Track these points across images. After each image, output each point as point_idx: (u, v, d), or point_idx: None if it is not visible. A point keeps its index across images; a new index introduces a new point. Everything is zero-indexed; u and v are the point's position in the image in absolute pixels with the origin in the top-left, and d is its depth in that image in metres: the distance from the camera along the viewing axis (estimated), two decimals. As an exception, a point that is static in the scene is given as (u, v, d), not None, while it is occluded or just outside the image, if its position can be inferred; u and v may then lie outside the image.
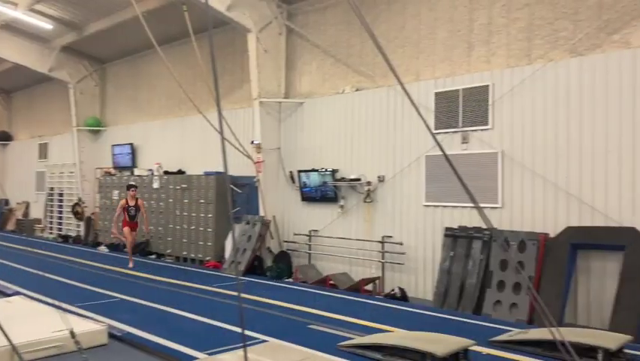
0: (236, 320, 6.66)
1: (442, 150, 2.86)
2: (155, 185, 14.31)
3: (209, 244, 12.57)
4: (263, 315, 7.49)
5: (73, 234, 18.02)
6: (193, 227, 13.03)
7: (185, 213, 13.28)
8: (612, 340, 5.49)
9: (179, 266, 12.58)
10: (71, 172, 18.38)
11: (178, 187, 13.58)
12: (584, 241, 7.52)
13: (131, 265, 11.89)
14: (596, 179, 7.61)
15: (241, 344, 5.74)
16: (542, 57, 8.23)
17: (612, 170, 7.45)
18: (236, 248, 11.21)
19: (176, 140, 15.06)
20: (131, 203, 12.23)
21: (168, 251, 13.75)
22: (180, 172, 14.41)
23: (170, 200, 13.80)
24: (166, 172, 14.58)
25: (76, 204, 17.58)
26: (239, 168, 12.35)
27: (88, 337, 5.76)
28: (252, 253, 11.24)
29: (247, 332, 6.40)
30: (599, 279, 7.55)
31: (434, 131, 9.31)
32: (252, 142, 11.63)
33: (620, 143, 7.39)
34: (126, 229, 12.14)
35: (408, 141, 9.75)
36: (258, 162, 11.55)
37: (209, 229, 12.56)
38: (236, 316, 6.97)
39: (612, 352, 5.31)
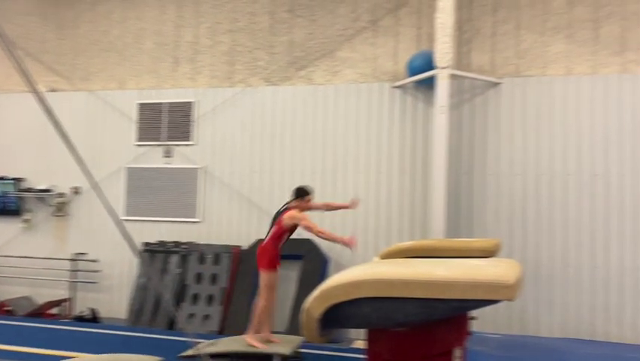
0: None
1: (80, 164, 2.72)
2: None
3: None
4: None
5: None
6: None
7: None
8: (287, 343, 6.06)
9: None
10: None
11: None
12: (271, 252, 8.24)
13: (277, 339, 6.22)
14: (283, 195, 8.46)
15: None
16: (242, 82, 8.82)
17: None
18: None
19: None
20: None
21: None
22: None
23: None
24: None
25: None
26: None
27: None
28: None
29: None
30: (284, 286, 8.37)
31: (137, 143, 9.05)
32: None
33: (304, 165, 8.42)
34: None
35: (108, 151, 9.20)
36: None
37: None
38: None
39: (287, 356, 5.86)
